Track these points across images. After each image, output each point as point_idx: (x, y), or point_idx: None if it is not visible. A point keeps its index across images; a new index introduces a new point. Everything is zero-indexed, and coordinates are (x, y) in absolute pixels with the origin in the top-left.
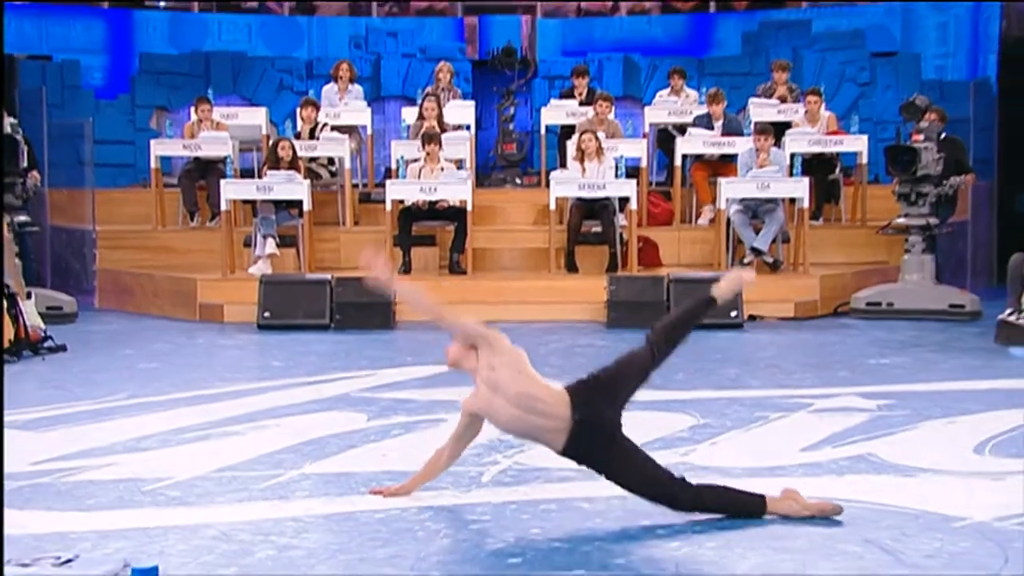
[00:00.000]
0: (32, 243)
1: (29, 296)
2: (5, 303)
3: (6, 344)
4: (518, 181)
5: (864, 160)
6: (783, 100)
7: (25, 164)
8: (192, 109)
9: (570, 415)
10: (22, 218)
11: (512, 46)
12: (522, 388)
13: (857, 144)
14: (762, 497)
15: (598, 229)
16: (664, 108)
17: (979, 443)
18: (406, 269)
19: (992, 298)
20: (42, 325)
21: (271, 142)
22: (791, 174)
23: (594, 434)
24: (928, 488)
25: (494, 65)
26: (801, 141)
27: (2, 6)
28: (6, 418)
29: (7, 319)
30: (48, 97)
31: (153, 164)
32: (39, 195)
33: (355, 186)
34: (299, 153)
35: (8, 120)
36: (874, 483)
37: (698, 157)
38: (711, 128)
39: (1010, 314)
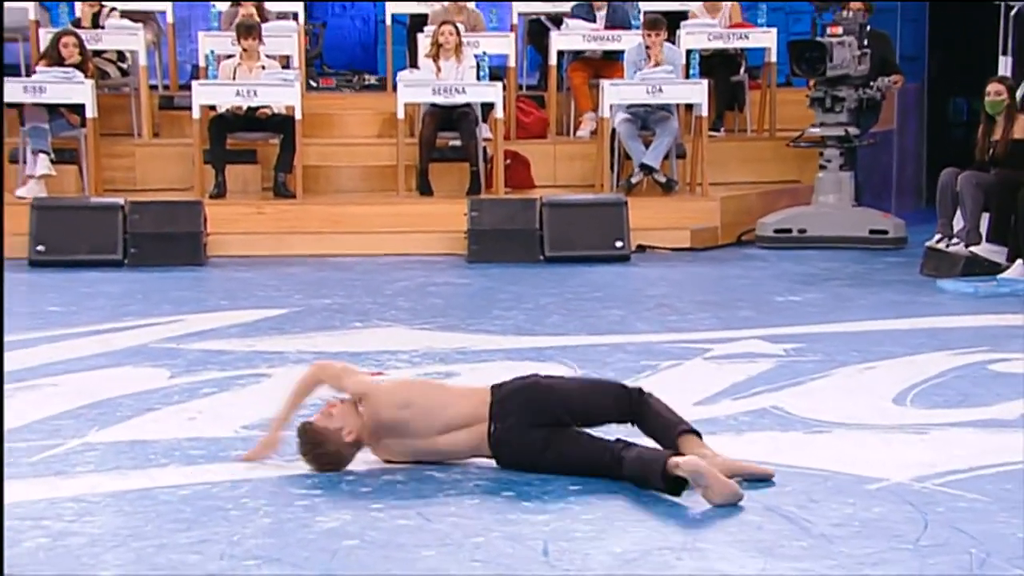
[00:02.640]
0: None
1: None
2: None
3: None
4: (312, 84)
5: (773, 58)
6: None
7: None
8: None
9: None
10: None
11: None
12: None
13: (765, 39)
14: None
15: (457, 143)
16: None
17: (900, 392)
18: (219, 192)
19: (919, 222)
20: None
21: (53, 36)
22: (687, 75)
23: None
24: (841, 445)
25: None
26: (699, 36)
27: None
28: None
29: None
30: None
31: None
32: None
33: (153, 88)
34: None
35: None
36: (779, 441)
37: (577, 55)
38: (592, 20)
39: (939, 240)
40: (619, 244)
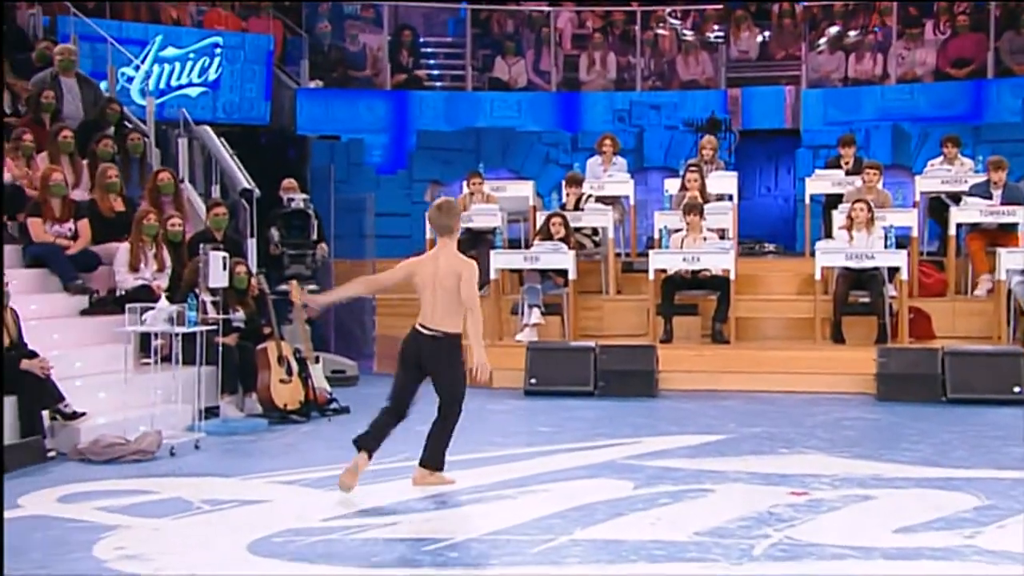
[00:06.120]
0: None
1: (317, 360)
2: (296, 367)
3: (296, 405)
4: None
5: None
6: None
7: (315, 237)
8: (464, 183)
9: None
10: (312, 287)
11: (717, 117)
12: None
13: None
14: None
15: (866, 299)
16: (936, 177)
17: None
18: (668, 338)
19: None
20: (328, 388)
21: (545, 217)
22: None
23: None
24: None
25: (696, 133)
26: None
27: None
28: (299, 475)
29: (297, 381)
30: (336, 174)
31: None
32: (326, 265)
33: (618, 255)
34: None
35: (301, 196)
36: None
37: (974, 226)
38: (989, 197)
39: None
40: (1017, 390)
